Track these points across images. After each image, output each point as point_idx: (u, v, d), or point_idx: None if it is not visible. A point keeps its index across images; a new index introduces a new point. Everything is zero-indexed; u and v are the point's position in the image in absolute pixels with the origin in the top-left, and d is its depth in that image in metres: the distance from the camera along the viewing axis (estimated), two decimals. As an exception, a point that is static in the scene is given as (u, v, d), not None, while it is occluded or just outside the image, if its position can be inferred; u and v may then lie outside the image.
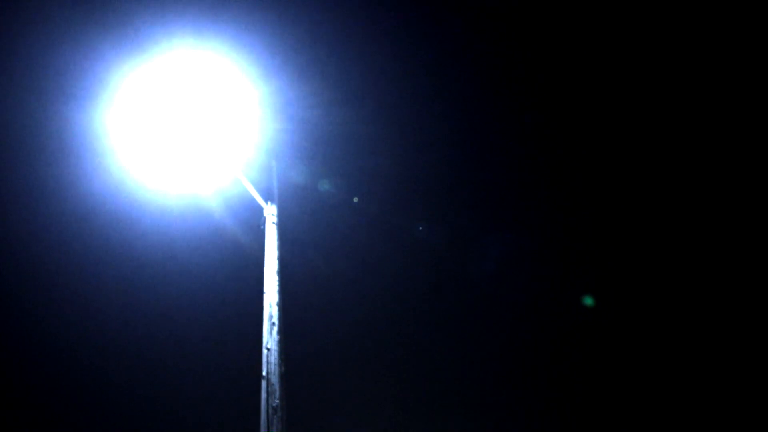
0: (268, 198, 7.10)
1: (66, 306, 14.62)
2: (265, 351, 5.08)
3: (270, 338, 5.18)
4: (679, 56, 12.93)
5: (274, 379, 4.75)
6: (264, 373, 4.85)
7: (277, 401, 4.59)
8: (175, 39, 6.95)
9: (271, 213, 6.88)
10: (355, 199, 12.21)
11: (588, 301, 15.46)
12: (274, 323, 5.33)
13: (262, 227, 6.82)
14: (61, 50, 9.49)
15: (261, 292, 5.85)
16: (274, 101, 7.87)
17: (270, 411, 4.58)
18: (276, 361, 4.92)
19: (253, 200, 7.00)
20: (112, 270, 13.73)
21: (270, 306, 5.56)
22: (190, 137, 6.95)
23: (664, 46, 12.87)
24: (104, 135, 6.99)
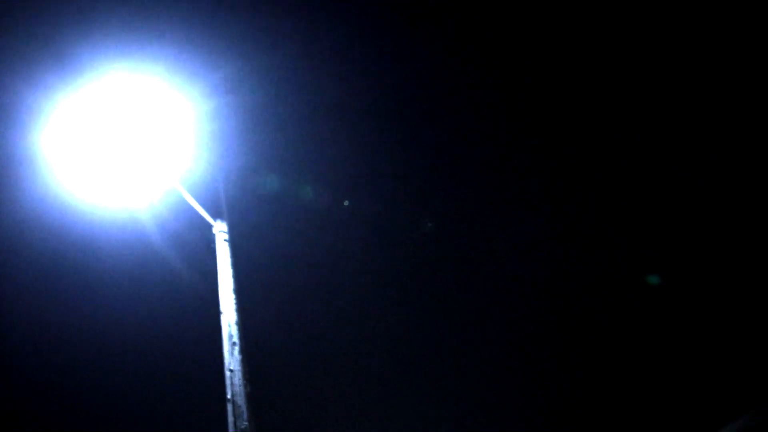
0: (216, 215, 6.92)
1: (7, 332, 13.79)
2: (227, 373, 4.92)
3: (232, 359, 5.03)
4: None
5: (240, 401, 4.60)
6: (229, 396, 4.70)
7: (246, 423, 4.45)
8: (113, 58, 6.79)
9: (221, 230, 6.70)
10: (346, 203, 12.08)
11: (653, 280, 15.13)
12: (234, 343, 5.18)
13: (212, 246, 6.64)
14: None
15: (218, 313, 5.68)
16: (214, 118, 7.73)
17: (239, 434, 4.43)
18: (240, 382, 4.77)
19: (202, 219, 6.81)
20: (56, 295, 13.09)
21: (229, 326, 5.40)
22: (134, 158, 6.78)
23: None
24: (43, 153, 6.72)
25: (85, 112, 6.53)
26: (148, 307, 13.20)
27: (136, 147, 6.78)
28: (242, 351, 5.11)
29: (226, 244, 6.56)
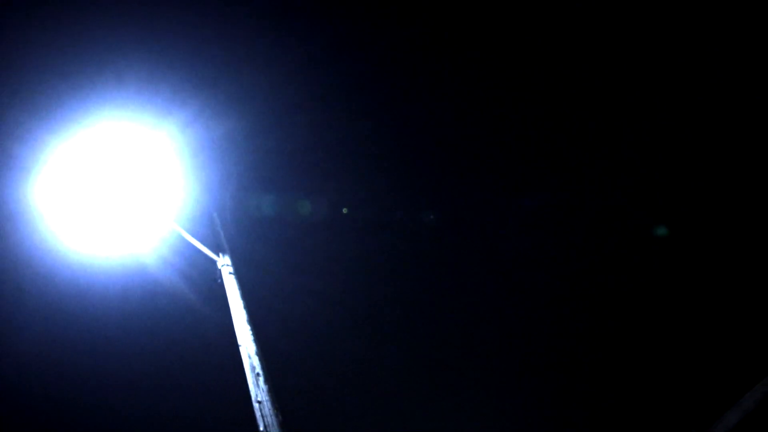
0: (218, 250, 6.90)
1: (5, 399, 13.60)
2: (256, 405, 4.85)
3: (258, 390, 4.96)
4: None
5: (274, 431, 4.54)
6: (261, 428, 4.63)
7: (284, 453, 4.38)
8: (95, 108, 6.89)
9: (225, 264, 6.67)
10: (345, 210, 12.01)
11: (661, 231, 14.74)
12: (258, 374, 5.11)
13: (219, 281, 6.61)
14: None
15: (236, 345, 5.63)
16: (197, 155, 7.75)
17: (278, 465, 4.37)
18: (270, 412, 4.71)
19: (205, 256, 6.78)
20: (71, 352, 12.95)
21: (249, 357, 5.34)
22: (127, 206, 6.83)
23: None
24: (35, 206, 6.73)
25: (73, 162, 6.58)
26: (166, 350, 13.11)
27: (128, 193, 6.81)
28: (267, 381, 5.04)
29: (232, 276, 6.52)
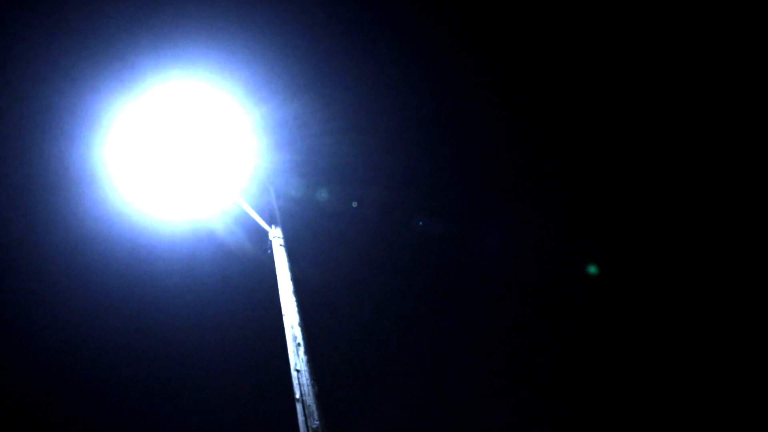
0: (271, 222, 7.11)
1: (79, 346, 14.46)
2: (294, 373, 5.04)
3: (298, 359, 5.15)
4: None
5: (310, 400, 4.70)
6: (298, 396, 4.80)
7: (317, 422, 4.54)
8: (168, 71, 7.08)
9: (276, 236, 6.87)
10: (354, 204, 12.24)
11: (592, 269, 15.16)
12: (299, 344, 5.29)
13: (269, 251, 6.82)
14: (60, 87, 9.62)
15: (280, 315, 5.82)
16: (263, 126, 7.93)
17: (310, 433, 4.53)
18: (308, 382, 4.88)
19: (258, 226, 7.00)
20: (126, 300, 13.70)
21: (292, 327, 5.52)
22: (189, 169, 7.06)
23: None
24: (105, 167, 7.05)
25: (146, 122, 6.83)
26: (214, 314, 13.69)
27: (198, 159, 7.05)
28: (307, 351, 5.21)
29: (282, 248, 6.72)
